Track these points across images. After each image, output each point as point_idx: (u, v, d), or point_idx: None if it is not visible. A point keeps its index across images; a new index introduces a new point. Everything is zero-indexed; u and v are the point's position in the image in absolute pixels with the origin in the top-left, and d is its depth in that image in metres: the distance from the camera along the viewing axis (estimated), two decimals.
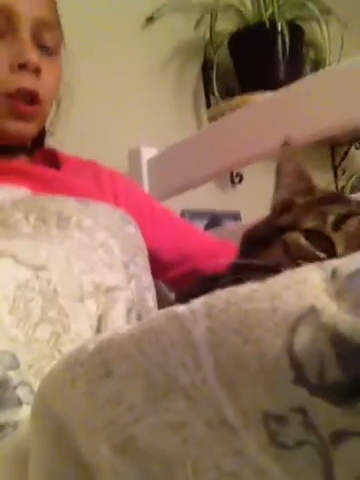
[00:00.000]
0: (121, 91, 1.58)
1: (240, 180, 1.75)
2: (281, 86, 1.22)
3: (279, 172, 0.60)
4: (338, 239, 0.50)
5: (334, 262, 0.23)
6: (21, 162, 0.87)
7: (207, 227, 1.52)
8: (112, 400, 0.28)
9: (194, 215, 1.54)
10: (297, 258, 0.50)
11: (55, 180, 0.82)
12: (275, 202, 0.60)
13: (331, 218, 0.51)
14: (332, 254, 0.50)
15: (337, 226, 0.50)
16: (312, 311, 0.22)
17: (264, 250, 0.53)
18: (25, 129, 0.83)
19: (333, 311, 0.21)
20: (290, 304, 0.22)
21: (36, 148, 0.92)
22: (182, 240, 0.89)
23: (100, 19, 1.57)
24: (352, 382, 0.21)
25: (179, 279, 0.86)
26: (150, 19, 1.71)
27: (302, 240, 0.51)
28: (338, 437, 0.22)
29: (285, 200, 0.58)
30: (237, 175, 1.75)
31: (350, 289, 0.22)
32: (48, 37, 0.83)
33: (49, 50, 0.84)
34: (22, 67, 0.79)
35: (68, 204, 0.71)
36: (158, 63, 1.71)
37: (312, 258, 0.49)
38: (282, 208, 0.59)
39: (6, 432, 0.42)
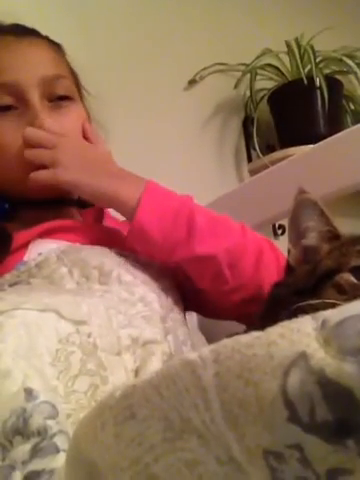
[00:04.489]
0: (164, 149, 1.64)
1: (283, 232, 1.77)
2: (321, 139, 1.25)
3: (297, 220, 0.62)
4: None
5: (325, 313, 0.26)
6: (69, 219, 0.89)
7: None
8: (135, 441, 0.31)
9: None
10: (353, 297, 0.53)
11: (99, 231, 0.85)
12: (298, 252, 0.62)
13: None
14: None
15: None
16: (303, 356, 0.24)
17: (313, 297, 0.55)
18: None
19: (321, 356, 0.24)
20: (284, 350, 0.25)
21: (86, 206, 0.95)
22: None
23: (145, 82, 1.66)
24: (339, 421, 0.23)
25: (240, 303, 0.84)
26: (192, 81, 1.80)
27: (353, 279, 0.54)
28: (333, 474, 0.24)
29: (312, 248, 0.61)
30: (280, 227, 1.77)
31: (336, 336, 0.24)
32: (59, 88, 0.86)
33: (62, 98, 0.86)
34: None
35: (109, 258, 0.75)
36: (200, 122, 1.79)
37: None
38: (310, 256, 0.61)
39: (43, 479, 0.44)
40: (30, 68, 0.84)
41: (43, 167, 0.82)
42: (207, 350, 0.28)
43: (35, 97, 0.83)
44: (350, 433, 0.23)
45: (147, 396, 0.30)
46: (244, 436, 0.25)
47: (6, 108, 0.83)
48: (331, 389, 0.23)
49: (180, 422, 0.28)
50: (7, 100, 0.83)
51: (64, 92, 0.87)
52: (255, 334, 0.27)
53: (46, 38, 0.91)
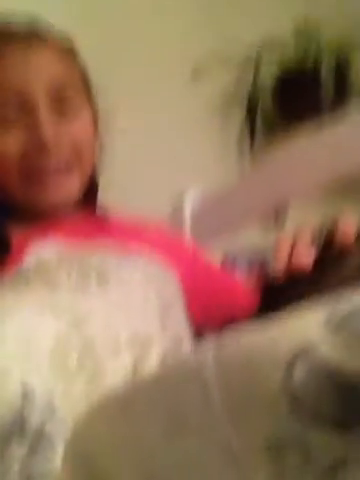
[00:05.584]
0: (167, 139, 1.64)
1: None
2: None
3: None
4: None
5: (334, 302, 0.25)
6: (68, 223, 0.84)
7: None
8: (133, 438, 0.30)
9: (237, 256, 1.55)
10: None
11: (97, 231, 0.83)
12: None
13: None
14: None
15: None
16: (309, 347, 0.23)
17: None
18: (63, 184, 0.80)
19: (328, 348, 0.23)
20: (290, 340, 0.24)
21: (87, 205, 0.90)
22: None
23: (147, 72, 1.65)
24: (346, 413, 0.22)
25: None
26: (195, 71, 1.77)
27: None
28: (336, 466, 0.23)
29: None
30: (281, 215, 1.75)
31: (344, 328, 0.23)
32: (68, 91, 0.81)
33: (70, 104, 0.81)
34: (38, 150, 0.77)
35: (108, 258, 0.73)
36: (203, 111, 1.77)
37: None
38: None
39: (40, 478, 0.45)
40: (39, 68, 0.79)
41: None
42: (210, 341, 0.27)
43: (43, 105, 0.77)
44: (353, 426, 0.22)
45: (146, 392, 0.29)
46: (246, 429, 0.24)
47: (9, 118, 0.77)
48: (337, 382, 0.22)
49: (180, 418, 0.27)
50: (11, 111, 0.77)
51: (73, 97, 0.81)
52: (258, 323, 0.26)
53: (57, 41, 0.85)
